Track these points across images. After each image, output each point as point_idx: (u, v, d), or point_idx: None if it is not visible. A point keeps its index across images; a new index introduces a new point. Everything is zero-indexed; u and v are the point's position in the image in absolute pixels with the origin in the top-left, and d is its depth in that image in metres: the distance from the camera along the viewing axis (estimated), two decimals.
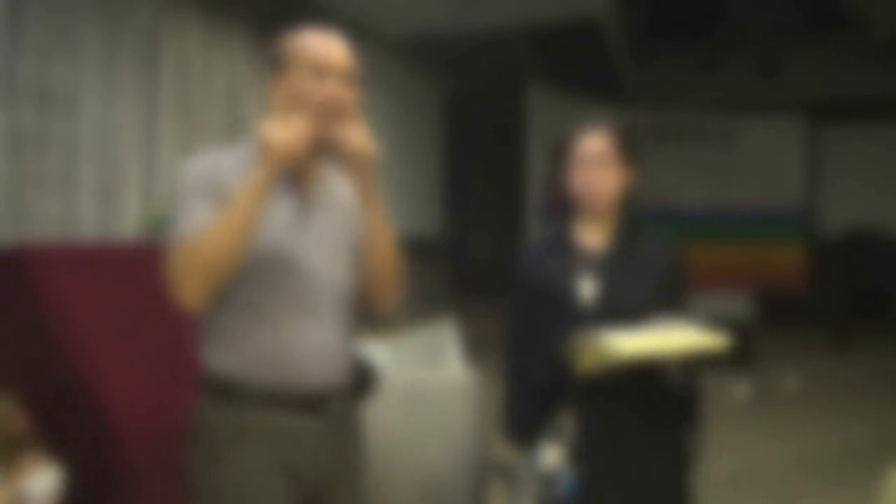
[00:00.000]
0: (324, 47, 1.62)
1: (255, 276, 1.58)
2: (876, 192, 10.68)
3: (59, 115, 4.34)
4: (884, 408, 6.01)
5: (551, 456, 1.82)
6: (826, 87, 10.52)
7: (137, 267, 2.79)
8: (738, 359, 6.16)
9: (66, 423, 2.49)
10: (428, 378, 3.14)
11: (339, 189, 1.73)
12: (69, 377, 2.51)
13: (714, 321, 1.79)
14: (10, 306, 2.58)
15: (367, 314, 1.77)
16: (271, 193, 1.54)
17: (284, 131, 1.52)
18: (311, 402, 1.61)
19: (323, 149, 1.64)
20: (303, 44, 1.63)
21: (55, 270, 2.57)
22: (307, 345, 1.60)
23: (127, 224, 4.79)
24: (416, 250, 8.37)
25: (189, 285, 1.49)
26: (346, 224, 1.70)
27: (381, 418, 2.54)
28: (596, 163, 1.86)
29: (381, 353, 3.94)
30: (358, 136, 1.59)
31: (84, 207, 4.52)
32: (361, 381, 1.76)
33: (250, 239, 1.52)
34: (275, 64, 1.65)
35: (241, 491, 1.56)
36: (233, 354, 1.59)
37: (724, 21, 10.83)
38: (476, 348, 5.65)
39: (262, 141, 1.52)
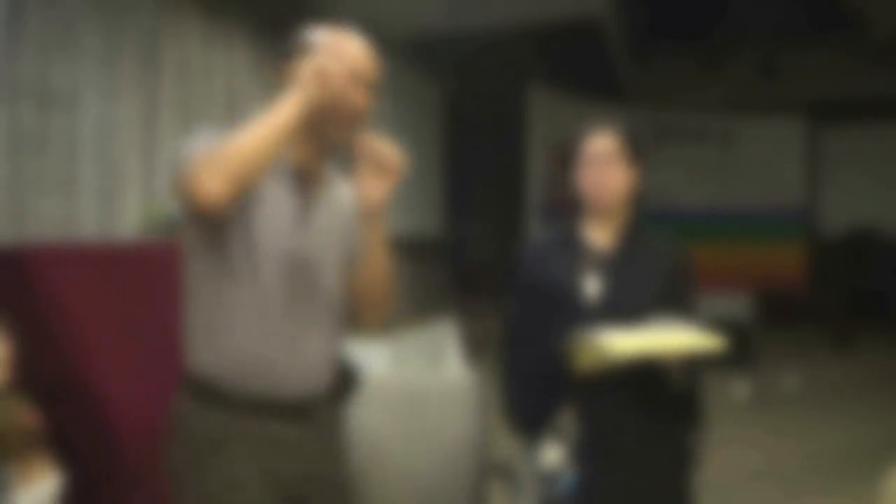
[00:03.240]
0: (359, 54, 1.61)
1: (251, 276, 1.54)
2: (876, 192, 10.68)
3: (59, 114, 4.33)
4: (884, 408, 6.01)
5: (552, 455, 1.82)
6: (826, 87, 10.51)
7: (137, 267, 2.79)
8: (738, 359, 6.16)
9: (66, 423, 2.49)
10: (428, 378, 3.14)
11: (340, 193, 1.70)
12: (69, 377, 2.51)
13: (714, 321, 1.79)
14: (10, 306, 2.58)
15: (352, 321, 1.75)
16: (295, 125, 1.49)
17: (337, 63, 1.52)
18: (295, 409, 1.58)
19: (332, 149, 1.62)
20: (341, 45, 1.60)
21: (55, 270, 2.57)
22: (294, 350, 1.57)
23: (127, 224, 4.78)
24: (416, 250, 8.38)
25: (214, 177, 1.38)
26: (343, 229, 1.68)
27: (380, 418, 2.54)
28: (605, 162, 1.87)
29: (380, 353, 3.94)
30: (388, 146, 1.56)
31: (84, 207, 4.51)
32: (344, 383, 1.74)
33: (281, 147, 1.48)
34: (305, 53, 1.59)
35: (223, 498, 1.54)
36: (217, 356, 1.56)
37: (724, 21, 10.81)
38: (476, 348, 5.64)
39: (312, 69, 1.49)
